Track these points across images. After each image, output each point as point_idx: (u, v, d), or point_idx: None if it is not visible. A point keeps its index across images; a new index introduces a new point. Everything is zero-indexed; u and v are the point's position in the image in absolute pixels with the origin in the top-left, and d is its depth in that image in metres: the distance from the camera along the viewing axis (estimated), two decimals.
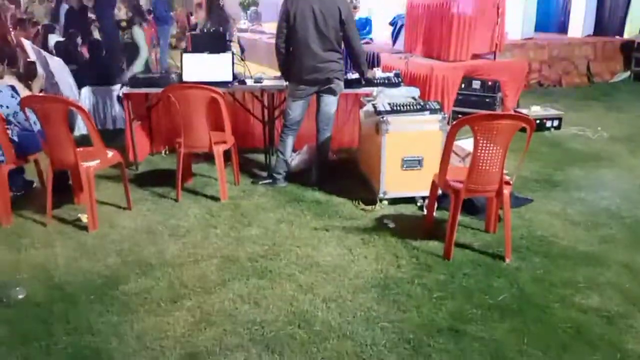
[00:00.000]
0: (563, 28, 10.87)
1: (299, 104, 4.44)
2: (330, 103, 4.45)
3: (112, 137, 5.50)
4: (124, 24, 7.68)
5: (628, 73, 9.86)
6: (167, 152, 5.49)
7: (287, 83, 4.57)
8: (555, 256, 3.42)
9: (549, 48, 9.36)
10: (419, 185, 4.05)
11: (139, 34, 7.96)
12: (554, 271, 3.25)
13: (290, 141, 4.57)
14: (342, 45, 4.39)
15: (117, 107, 6.26)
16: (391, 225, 3.86)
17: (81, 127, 5.90)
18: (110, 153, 4.00)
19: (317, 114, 4.51)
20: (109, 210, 4.15)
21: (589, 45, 9.74)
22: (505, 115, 4.08)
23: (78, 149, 3.80)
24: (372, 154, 4.32)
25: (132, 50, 7.93)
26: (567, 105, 7.44)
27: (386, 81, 4.90)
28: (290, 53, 4.36)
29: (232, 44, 5.76)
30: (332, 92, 4.39)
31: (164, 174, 4.90)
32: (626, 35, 10.17)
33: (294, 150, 4.77)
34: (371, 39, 9.70)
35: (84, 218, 3.89)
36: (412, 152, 4.11)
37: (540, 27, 10.41)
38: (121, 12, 7.93)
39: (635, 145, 5.72)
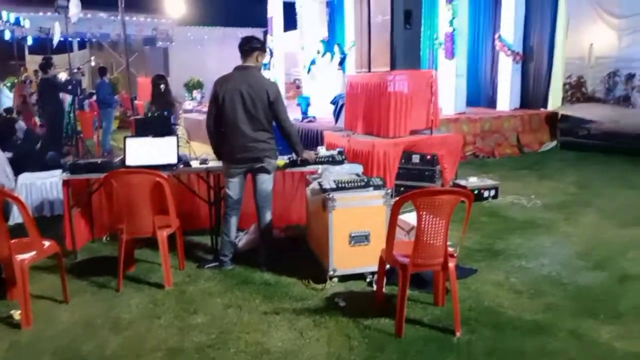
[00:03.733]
0: (492, 102, 11.62)
1: (235, 183, 4.45)
2: (265, 181, 4.47)
3: (50, 224, 5.29)
4: None
5: (555, 142, 10.53)
6: (109, 239, 5.30)
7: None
8: (503, 327, 3.47)
9: (480, 122, 9.92)
10: (367, 260, 4.08)
11: None
12: (504, 342, 3.28)
13: (234, 221, 4.52)
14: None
15: (55, 193, 6.07)
16: (342, 304, 3.82)
17: (16, 216, 5.64)
18: (47, 243, 3.82)
19: (255, 193, 4.51)
20: (45, 304, 3.90)
21: (517, 118, 10.40)
22: (445, 190, 4.24)
23: (12, 241, 3.61)
24: (320, 230, 4.34)
25: None
26: (501, 175, 7.80)
27: (330, 159, 5.01)
28: (221, 133, 4.43)
29: (177, 127, 5.79)
30: (266, 170, 4.43)
31: (105, 262, 4.71)
32: (550, 108, 10.94)
33: (241, 230, 4.71)
34: (314, 117, 10.03)
35: (17, 315, 3.63)
36: (358, 228, 4.16)
37: (471, 102, 11.11)
38: None
39: (568, 212, 6.00)
